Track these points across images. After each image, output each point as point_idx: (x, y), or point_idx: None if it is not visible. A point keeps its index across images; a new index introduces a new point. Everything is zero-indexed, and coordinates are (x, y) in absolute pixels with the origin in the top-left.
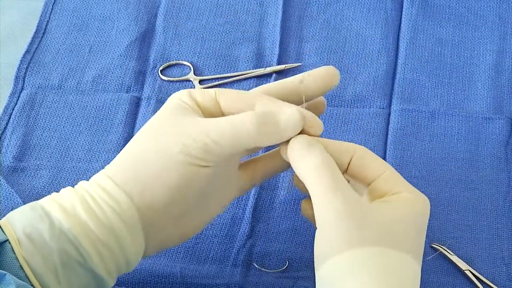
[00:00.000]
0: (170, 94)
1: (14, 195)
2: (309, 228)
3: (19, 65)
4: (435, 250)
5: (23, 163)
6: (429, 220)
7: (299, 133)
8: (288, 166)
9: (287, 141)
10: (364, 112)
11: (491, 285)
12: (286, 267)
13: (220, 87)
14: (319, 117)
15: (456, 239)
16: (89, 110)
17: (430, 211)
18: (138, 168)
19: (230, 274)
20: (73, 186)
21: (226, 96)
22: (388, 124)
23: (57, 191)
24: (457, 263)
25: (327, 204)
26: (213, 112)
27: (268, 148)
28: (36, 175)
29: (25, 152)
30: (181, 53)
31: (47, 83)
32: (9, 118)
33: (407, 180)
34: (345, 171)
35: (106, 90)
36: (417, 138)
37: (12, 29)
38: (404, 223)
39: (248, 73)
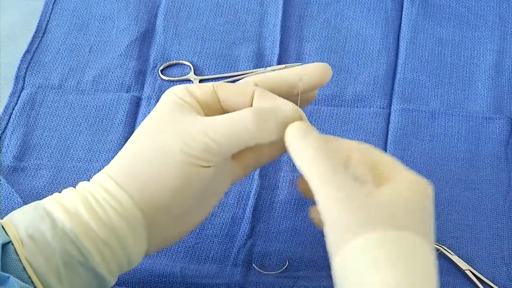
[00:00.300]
0: None
1: (14, 195)
2: (309, 228)
3: (19, 65)
4: (435, 250)
5: (23, 162)
6: None
7: None
8: (280, 154)
9: None
10: (364, 112)
11: (492, 285)
12: (286, 267)
13: None
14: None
15: (456, 239)
16: (89, 110)
17: None
18: (138, 168)
19: (230, 274)
20: (73, 186)
21: (224, 89)
22: (388, 124)
23: (58, 191)
24: (457, 263)
25: (328, 193)
26: (212, 106)
27: None
28: (36, 174)
29: (25, 151)
30: (182, 52)
31: (47, 83)
32: (9, 118)
33: None
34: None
35: (106, 90)
36: (417, 138)
37: (12, 29)
38: (410, 204)
39: (248, 72)
